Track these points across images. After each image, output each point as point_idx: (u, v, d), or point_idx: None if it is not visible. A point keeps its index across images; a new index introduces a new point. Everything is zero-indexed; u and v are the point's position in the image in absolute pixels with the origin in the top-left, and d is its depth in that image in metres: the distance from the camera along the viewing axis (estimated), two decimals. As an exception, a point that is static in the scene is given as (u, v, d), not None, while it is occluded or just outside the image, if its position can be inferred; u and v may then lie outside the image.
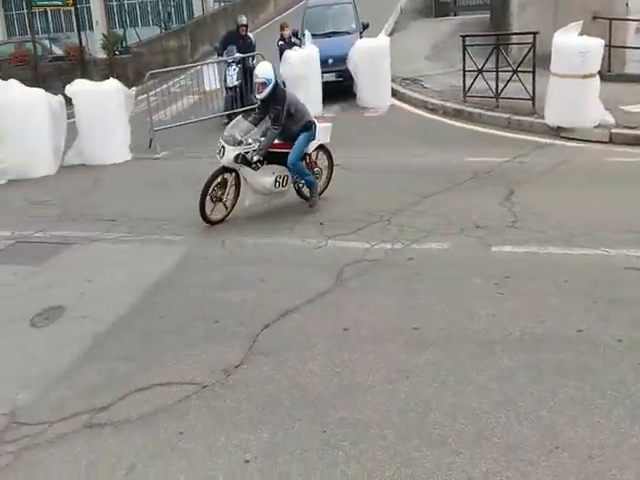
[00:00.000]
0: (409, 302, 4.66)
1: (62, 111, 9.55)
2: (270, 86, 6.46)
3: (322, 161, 7.14)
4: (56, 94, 9.55)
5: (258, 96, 6.59)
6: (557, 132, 8.69)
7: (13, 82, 9.20)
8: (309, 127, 6.78)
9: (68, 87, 9.41)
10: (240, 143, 6.36)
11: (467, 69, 10.31)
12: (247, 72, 10.97)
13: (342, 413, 3.54)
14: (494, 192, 6.75)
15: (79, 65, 17.05)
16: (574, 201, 6.37)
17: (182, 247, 6.06)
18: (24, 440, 3.57)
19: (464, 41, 10.37)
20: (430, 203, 6.61)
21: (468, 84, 10.29)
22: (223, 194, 6.52)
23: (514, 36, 11.34)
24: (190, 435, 3.48)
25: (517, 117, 9.30)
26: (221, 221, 6.56)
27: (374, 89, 11.23)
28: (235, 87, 10.85)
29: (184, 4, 25.53)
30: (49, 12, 24.70)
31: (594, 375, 3.68)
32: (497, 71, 9.86)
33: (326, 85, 11.30)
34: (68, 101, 9.60)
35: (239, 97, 10.95)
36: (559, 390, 3.59)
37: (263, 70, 6.51)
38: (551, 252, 5.29)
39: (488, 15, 17.90)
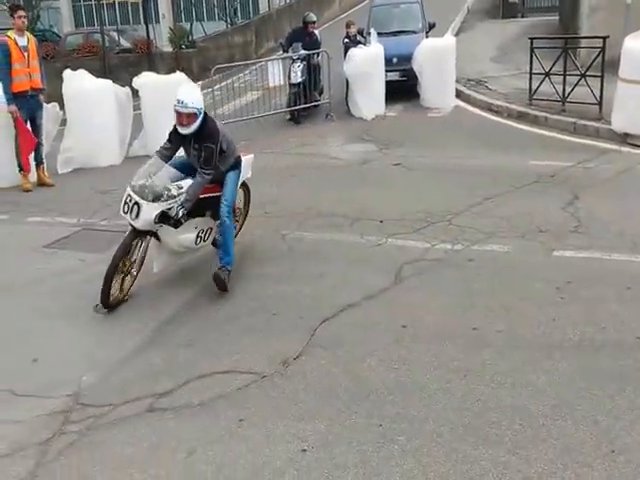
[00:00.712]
0: (468, 303, 4.69)
1: (129, 102, 9.79)
2: (200, 117, 5.00)
3: (239, 200, 5.92)
4: (123, 86, 9.78)
5: (183, 130, 5.01)
6: (624, 138, 8.49)
7: (82, 72, 9.43)
8: (239, 163, 5.52)
9: (135, 79, 9.58)
10: (160, 196, 4.85)
11: (534, 72, 10.16)
12: (312, 69, 11.10)
13: (398, 408, 3.61)
14: (557, 196, 6.67)
15: (146, 57, 17.54)
16: (639, 209, 6.24)
17: (243, 240, 6.19)
18: (88, 421, 3.71)
19: (532, 43, 10.22)
20: (492, 205, 6.58)
21: (534, 87, 10.15)
22: (131, 265, 5.05)
23: (583, 40, 11.10)
24: (249, 423, 3.60)
25: (583, 122, 9.13)
26: (119, 303, 5.03)
27: (438, 89, 11.18)
28: (299, 84, 10.98)
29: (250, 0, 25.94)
30: (117, 4, 25.48)
31: (655, 384, 3.65)
32: (565, 74, 9.70)
33: (389, 84, 11.32)
34: (135, 93, 9.80)
35: (303, 94, 11.09)
36: (617, 396, 3.58)
37: (191, 97, 4.98)
38: (614, 259, 5.22)
39: (557, 17, 17.53)
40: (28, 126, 8.31)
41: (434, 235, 5.92)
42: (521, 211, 6.34)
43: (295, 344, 4.30)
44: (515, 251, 5.51)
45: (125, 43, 19.19)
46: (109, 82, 9.80)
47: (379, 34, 11.34)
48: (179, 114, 4.99)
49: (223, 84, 12.27)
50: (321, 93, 11.76)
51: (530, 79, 10.26)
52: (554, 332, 4.25)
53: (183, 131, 5.05)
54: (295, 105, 10.97)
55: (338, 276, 5.29)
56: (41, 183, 8.59)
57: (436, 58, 11.05)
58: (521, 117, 10.02)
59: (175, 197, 4.92)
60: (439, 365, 3.98)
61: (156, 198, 4.86)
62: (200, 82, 10.99)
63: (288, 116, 11.08)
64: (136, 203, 4.83)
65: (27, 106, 8.24)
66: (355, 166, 8.37)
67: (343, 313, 4.68)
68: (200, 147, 5.06)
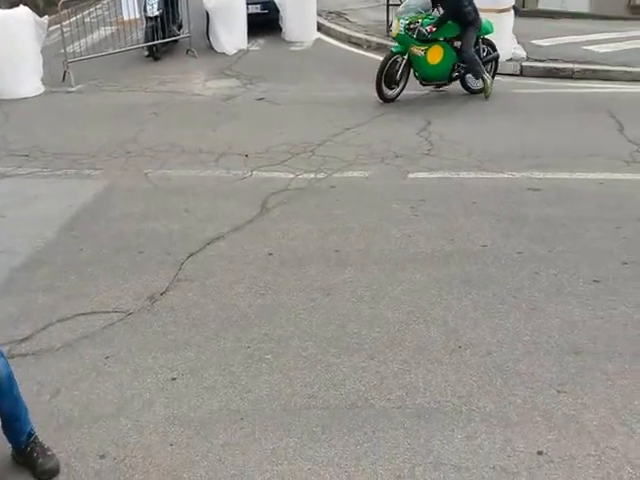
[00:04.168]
0: (330, 227, 4.88)
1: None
2: None
3: None
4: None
5: None
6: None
7: None
8: None
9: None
10: None
11: (391, 3, 10.34)
12: (169, 1, 10.61)
13: (265, 330, 3.75)
14: (413, 123, 7.00)
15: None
16: (485, 130, 6.72)
17: (102, 181, 5.97)
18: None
19: (387, -27, 10.36)
20: (353, 134, 6.79)
21: (392, 19, 10.33)
22: None
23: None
24: (116, 359, 3.55)
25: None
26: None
27: (300, 23, 11.12)
28: (156, 17, 10.46)
29: None
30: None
31: (495, 284, 4.05)
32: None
33: (251, 18, 11.10)
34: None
35: (160, 28, 10.61)
36: (464, 298, 3.93)
37: None
38: (462, 177, 5.63)
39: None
40: None
41: (298, 166, 6.04)
42: (380, 139, 6.59)
43: (162, 280, 4.29)
44: (374, 176, 5.76)
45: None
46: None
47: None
48: None
49: (72, 19, 11.41)
50: (180, 27, 11.31)
51: (387, 11, 10.46)
52: (409, 246, 4.54)
53: None
54: (153, 40, 10.48)
55: (205, 211, 5.29)
56: None
57: (296, -9, 10.93)
58: (380, 48, 10.22)
59: None
60: (304, 287, 4.14)
61: None
62: (47, 17, 10.16)
63: (146, 52, 10.58)
64: None
65: None
66: (219, 102, 8.25)
67: (210, 246, 4.71)
68: None
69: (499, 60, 8.07)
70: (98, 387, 3.38)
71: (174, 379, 3.40)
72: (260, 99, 8.26)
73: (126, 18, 10.85)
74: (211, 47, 10.86)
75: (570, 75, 8.56)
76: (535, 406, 3.11)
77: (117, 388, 3.37)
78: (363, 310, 3.87)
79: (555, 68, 8.65)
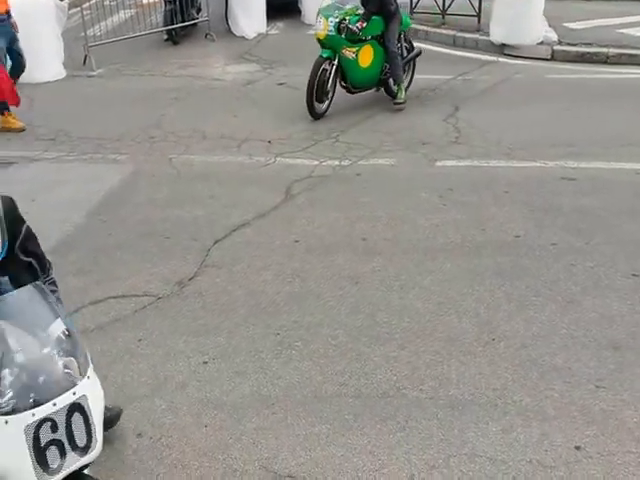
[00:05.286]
0: (356, 215, 4.82)
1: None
2: None
3: None
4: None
5: None
6: (501, 50, 8.79)
7: None
8: None
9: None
10: None
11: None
12: (188, -16, 10.51)
13: (295, 317, 3.72)
14: (439, 109, 6.88)
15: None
16: (515, 118, 6.57)
17: (128, 166, 5.97)
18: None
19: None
20: (377, 121, 6.69)
21: (415, 1, 10.19)
22: None
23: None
24: (148, 342, 3.59)
25: (462, 34, 9.32)
26: None
27: (319, 5, 10.96)
28: (175, 0, 10.40)
29: None
30: None
31: (529, 276, 3.98)
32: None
33: (270, 0, 10.98)
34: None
35: (179, 11, 10.52)
36: (497, 290, 3.87)
37: None
38: (492, 166, 5.52)
39: None
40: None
41: (321, 152, 5.97)
42: (404, 125, 6.50)
43: (190, 265, 4.28)
44: (399, 163, 5.68)
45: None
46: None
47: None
48: None
49: (92, 2, 11.40)
50: (199, 11, 11.20)
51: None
52: (438, 236, 4.48)
53: None
54: (172, 24, 10.40)
55: (229, 197, 5.25)
56: (7, 128, 7.02)
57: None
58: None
59: None
60: (331, 275, 4.10)
61: None
62: (67, 0, 10.13)
63: (165, 36, 10.51)
64: None
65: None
66: (239, 87, 8.17)
67: (236, 233, 4.68)
68: None
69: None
70: (132, 369, 3.41)
71: (205, 363, 3.41)
72: (281, 84, 8.17)
73: (145, 1, 10.77)
74: (230, 31, 10.75)
75: (604, 60, 8.27)
76: (572, 401, 3.06)
77: (150, 370, 3.39)
78: (392, 300, 3.83)
79: (588, 52, 8.38)
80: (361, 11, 6.68)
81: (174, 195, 5.33)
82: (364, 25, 6.50)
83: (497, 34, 8.80)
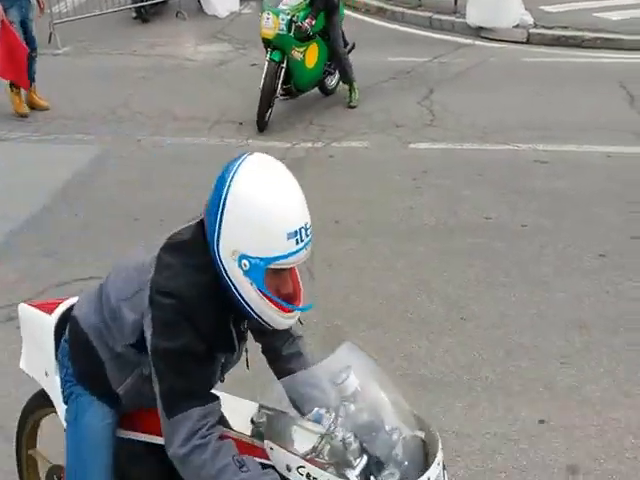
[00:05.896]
0: (330, 197, 4.78)
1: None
2: None
3: None
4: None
5: None
6: (478, 32, 8.76)
7: None
8: None
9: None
10: None
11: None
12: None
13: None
14: (414, 92, 6.83)
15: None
16: (489, 100, 6.56)
17: (95, 146, 5.86)
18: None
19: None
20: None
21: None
22: None
23: None
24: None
25: (439, 16, 9.27)
26: None
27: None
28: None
29: None
30: None
31: (500, 257, 4.00)
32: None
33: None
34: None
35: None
36: (467, 270, 3.89)
37: None
38: (465, 148, 5.53)
39: None
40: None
41: (295, 135, 5.92)
42: (379, 108, 6.45)
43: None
44: (373, 146, 5.65)
45: None
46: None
47: None
48: None
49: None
50: (169, -12, 10.99)
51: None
52: (411, 219, 4.48)
53: None
54: (141, 1, 10.18)
55: (200, 179, 5.08)
56: (32, 106, 6.83)
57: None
58: (379, 13, 10.00)
59: None
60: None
61: None
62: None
63: (134, 14, 10.28)
64: None
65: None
66: (211, 68, 8.05)
67: (206, 215, 4.61)
68: None
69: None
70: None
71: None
72: (253, 65, 8.01)
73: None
74: (202, 9, 10.54)
75: (580, 44, 8.25)
76: (538, 377, 3.11)
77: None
78: (365, 282, 3.83)
79: (564, 36, 8.38)
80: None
81: (143, 177, 5.24)
82: (313, 23, 5.93)
83: (473, 16, 8.75)
